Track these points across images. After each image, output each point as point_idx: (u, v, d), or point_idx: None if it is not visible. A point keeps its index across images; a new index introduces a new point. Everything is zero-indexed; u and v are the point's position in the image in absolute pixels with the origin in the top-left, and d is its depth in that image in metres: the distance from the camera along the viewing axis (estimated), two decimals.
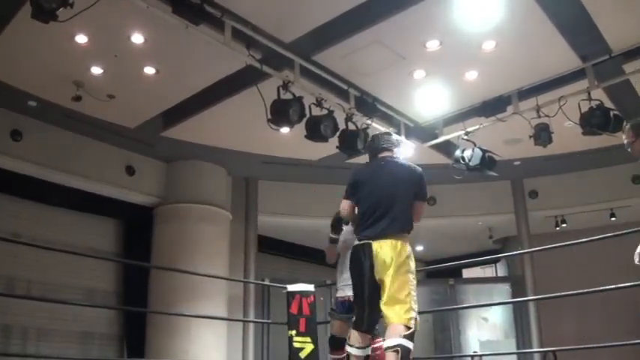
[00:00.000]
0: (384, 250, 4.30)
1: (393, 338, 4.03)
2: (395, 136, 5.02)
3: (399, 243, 4.33)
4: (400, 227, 4.41)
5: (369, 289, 4.36)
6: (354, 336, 4.49)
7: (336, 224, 5.52)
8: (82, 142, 9.84)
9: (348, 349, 4.54)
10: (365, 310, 4.42)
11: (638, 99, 9.06)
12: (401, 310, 4.15)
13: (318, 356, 6.62)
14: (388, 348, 4.03)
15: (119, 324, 10.77)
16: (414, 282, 4.32)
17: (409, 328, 4.09)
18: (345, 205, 4.72)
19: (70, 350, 9.85)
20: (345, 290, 5.46)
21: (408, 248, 4.39)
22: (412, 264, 4.37)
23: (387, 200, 4.46)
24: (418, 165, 4.83)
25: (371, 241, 4.36)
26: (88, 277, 10.30)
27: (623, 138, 3.60)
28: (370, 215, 4.47)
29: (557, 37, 7.47)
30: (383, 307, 4.23)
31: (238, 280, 11.34)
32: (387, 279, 4.25)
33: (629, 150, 3.52)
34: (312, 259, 14.91)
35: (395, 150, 4.82)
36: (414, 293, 4.25)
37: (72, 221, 10.42)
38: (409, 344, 4.02)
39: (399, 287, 4.21)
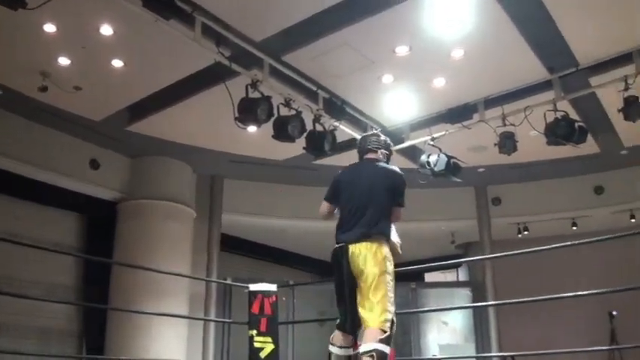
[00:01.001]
0: (360, 252, 4.34)
1: (369, 343, 4.04)
2: (383, 137, 4.98)
3: (375, 245, 4.35)
4: (376, 231, 4.43)
5: (348, 291, 4.40)
6: (337, 336, 4.50)
7: None
8: (46, 134, 9.68)
9: (330, 348, 4.52)
10: (347, 311, 4.43)
11: (604, 112, 9.22)
12: (377, 312, 4.16)
13: (278, 356, 6.61)
14: (364, 353, 4.03)
15: (79, 320, 10.63)
16: (392, 284, 4.33)
17: (385, 331, 4.10)
18: (322, 207, 4.86)
19: (27, 346, 9.69)
20: None
21: (385, 250, 4.40)
22: (389, 266, 4.38)
23: (364, 205, 4.52)
24: None
25: (348, 244, 4.41)
26: (48, 272, 10.15)
27: None
28: (348, 220, 4.54)
29: (526, 48, 7.57)
30: (359, 309, 4.25)
31: (200, 279, 11.28)
32: (363, 281, 4.29)
33: None
34: (276, 259, 14.92)
35: (380, 152, 4.84)
36: (390, 295, 4.27)
37: (33, 214, 10.27)
38: (385, 348, 4.03)
39: (374, 289, 4.22)
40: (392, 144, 5.03)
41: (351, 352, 4.46)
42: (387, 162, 4.88)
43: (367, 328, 4.14)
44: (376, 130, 5.38)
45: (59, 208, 10.71)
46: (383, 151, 4.85)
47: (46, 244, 9.66)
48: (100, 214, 11.03)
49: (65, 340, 10.43)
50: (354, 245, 4.38)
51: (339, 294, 4.51)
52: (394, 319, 4.24)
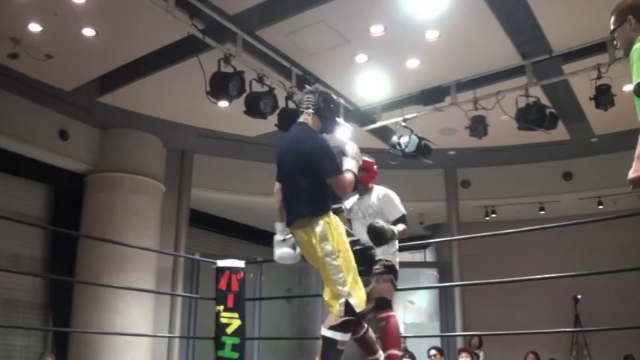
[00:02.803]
0: (302, 238, 4.05)
1: (323, 328, 3.90)
2: (314, 94, 4.27)
3: (308, 230, 3.97)
4: (307, 211, 3.99)
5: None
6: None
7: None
8: (15, 102, 9.44)
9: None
10: None
11: (575, 99, 9.30)
12: (331, 298, 3.91)
13: (245, 332, 6.62)
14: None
15: (45, 292, 10.52)
16: (337, 262, 3.89)
17: (340, 317, 3.83)
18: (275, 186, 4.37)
19: None
20: None
21: (318, 232, 3.93)
22: (327, 246, 3.92)
23: (291, 183, 4.12)
24: None
25: (294, 229, 4.12)
26: (14, 243, 10.01)
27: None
28: (285, 200, 4.19)
29: (500, 32, 7.61)
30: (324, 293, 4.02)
31: (168, 253, 11.21)
32: (316, 268, 4.08)
33: (615, 43, 3.16)
34: (244, 235, 14.90)
35: (307, 112, 4.21)
36: (338, 276, 3.88)
37: None
38: (334, 335, 3.83)
39: (324, 276, 3.95)
40: (330, 99, 4.29)
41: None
42: (324, 124, 4.24)
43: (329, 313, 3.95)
44: (312, 84, 4.60)
45: (26, 178, 10.53)
46: (311, 110, 4.19)
47: (10, 214, 9.52)
48: (68, 185, 10.88)
49: (31, 312, 10.33)
50: (295, 231, 4.10)
51: None
52: (350, 300, 3.85)
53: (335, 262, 3.90)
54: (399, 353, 4.78)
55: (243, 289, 6.68)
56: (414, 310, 14.14)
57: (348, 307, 3.83)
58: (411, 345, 10.21)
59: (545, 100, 8.61)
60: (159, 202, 11.23)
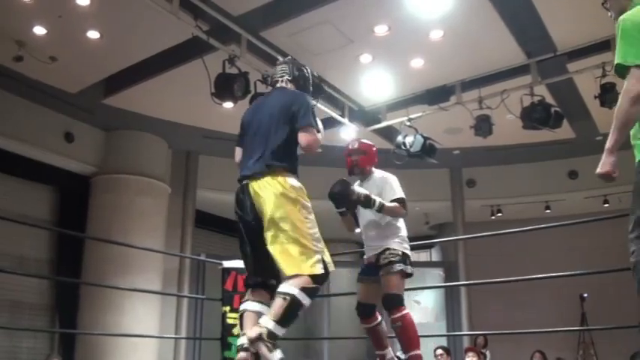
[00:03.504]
0: (265, 189, 3.58)
1: (288, 285, 3.39)
2: (291, 65, 4.15)
3: (279, 178, 3.58)
4: (278, 161, 3.64)
5: (252, 236, 3.68)
6: (248, 294, 3.75)
7: (336, 198, 4.83)
8: (20, 105, 9.46)
9: (241, 306, 3.74)
10: (251, 260, 3.75)
11: (580, 97, 9.28)
12: (302, 256, 3.46)
13: None
14: (279, 293, 3.40)
15: (51, 294, 10.54)
16: (311, 217, 3.60)
17: (314, 278, 3.42)
18: (235, 153, 4.02)
19: None
20: (369, 252, 5.03)
21: (294, 182, 3.62)
22: (305, 201, 3.61)
23: (264, 134, 3.75)
24: None
25: (249, 181, 3.67)
26: (19, 245, 10.02)
27: None
28: (247, 153, 3.82)
29: (505, 31, 7.60)
30: (277, 256, 3.50)
31: (174, 254, 11.22)
32: (274, 223, 3.52)
33: (610, 14, 3.04)
34: None
35: (284, 80, 4.05)
36: (314, 230, 3.57)
37: (5, 186, 10.13)
38: (304, 298, 3.37)
39: (292, 229, 3.48)
40: (307, 72, 4.19)
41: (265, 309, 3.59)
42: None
43: (293, 274, 3.44)
44: (286, 58, 4.43)
45: (32, 180, 10.55)
46: (286, 77, 4.04)
47: (16, 216, 9.52)
48: (73, 187, 10.91)
49: (38, 313, 10.35)
50: (256, 182, 3.62)
51: (241, 242, 3.80)
52: (325, 257, 3.54)
53: (311, 217, 3.61)
54: (421, 353, 4.66)
55: None
56: (419, 309, 14.10)
57: (325, 264, 3.53)
58: None
59: (549, 99, 8.60)
60: (164, 203, 11.24)
